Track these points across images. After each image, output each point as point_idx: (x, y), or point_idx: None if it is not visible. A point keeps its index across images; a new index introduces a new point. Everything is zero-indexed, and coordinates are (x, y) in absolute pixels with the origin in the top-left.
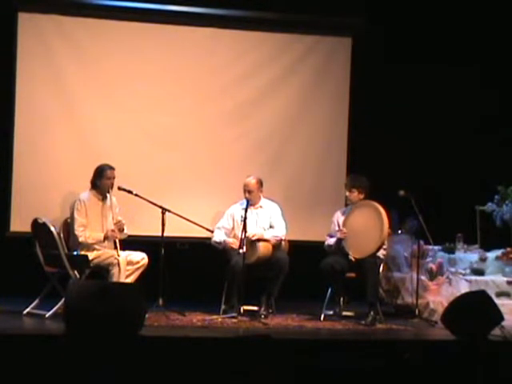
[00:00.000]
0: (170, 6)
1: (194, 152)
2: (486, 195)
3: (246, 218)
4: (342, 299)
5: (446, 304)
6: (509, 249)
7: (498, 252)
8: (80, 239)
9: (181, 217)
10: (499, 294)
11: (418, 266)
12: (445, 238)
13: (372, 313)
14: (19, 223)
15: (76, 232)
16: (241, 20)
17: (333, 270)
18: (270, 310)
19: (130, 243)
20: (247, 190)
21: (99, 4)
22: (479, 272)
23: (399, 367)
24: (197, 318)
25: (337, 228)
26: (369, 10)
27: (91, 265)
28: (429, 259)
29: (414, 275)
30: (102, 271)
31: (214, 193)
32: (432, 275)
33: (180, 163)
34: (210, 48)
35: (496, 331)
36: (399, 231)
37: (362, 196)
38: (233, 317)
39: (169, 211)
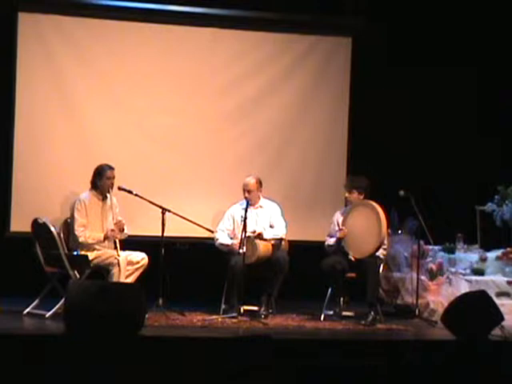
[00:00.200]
0: (170, 6)
1: (194, 152)
2: (486, 195)
3: (246, 218)
4: (342, 299)
5: (445, 304)
6: (509, 249)
7: (498, 252)
8: (80, 239)
9: (181, 217)
10: (499, 294)
11: (418, 266)
12: (445, 238)
13: (372, 313)
14: (19, 223)
15: (76, 232)
16: (241, 20)
17: (333, 270)
18: (270, 310)
19: (130, 243)
20: (247, 190)
21: (99, 4)
22: (479, 272)
23: (399, 367)
24: (197, 318)
25: (337, 228)
26: (369, 9)
27: (91, 265)
28: (429, 259)
29: (414, 275)
30: (102, 271)
31: (214, 193)
32: (432, 275)
33: (180, 163)
34: (211, 48)
35: (496, 331)
36: (399, 231)
37: (361, 197)
38: (233, 317)
39: (169, 211)
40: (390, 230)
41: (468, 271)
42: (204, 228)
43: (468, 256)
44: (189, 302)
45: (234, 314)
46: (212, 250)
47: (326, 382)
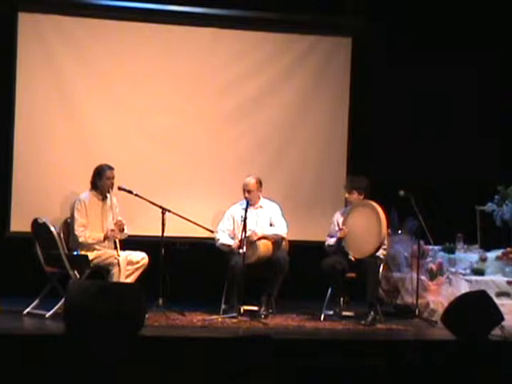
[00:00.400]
0: (170, 6)
1: (194, 152)
2: (486, 195)
3: (246, 218)
4: (342, 299)
5: (445, 304)
6: (509, 249)
7: (498, 252)
8: (80, 239)
9: (181, 217)
10: (499, 294)
11: (418, 266)
12: (445, 238)
13: (372, 313)
14: (19, 223)
15: (76, 232)
16: (241, 20)
17: (333, 270)
18: (270, 310)
19: (130, 243)
20: (247, 190)
21: (99, 4)
22: (479, 272)
23: (399, 367)
24: (197, 318)
25: (337, 228)
26: (369, 9)
27: (91, 265)
28: (429, 259)
29: (414, 275)
30: (102, 271)
31: (213, 193)
32: (432, 275)
33: (180, 163)
34: (211, 48)
35: (496, 331)
36: (399, 231)
37: (361, 197)
38: (233, 317)
39: (169, 211)
40: (389, 230)
41: (468, 271)
42: (204, 228)
43: (468, 256)
44: (189, 302)
45: (234, 314)
46: (212, 250)
47: (326, 382)
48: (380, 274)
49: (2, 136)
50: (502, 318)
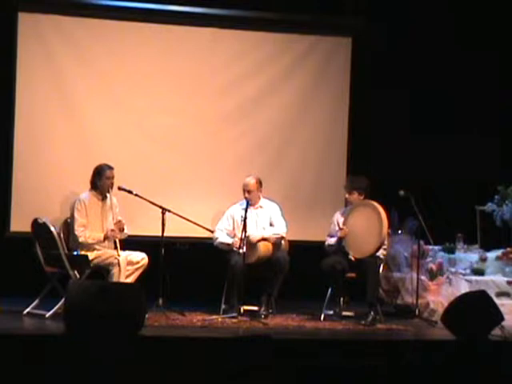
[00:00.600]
0: (170, 6)
1: (193, 152)
2: (486, 195)
3: (246, 218)
4: (342, 299)
5: (445, 304)
6: (509, 249)
7: (498, 252)
8: (80, 239)
9: (181, 217)
10: (499, 294)
11: (418, 266)
12: (445, 238)
13: (372, 313)
14: (19, 223)
15: (76, 232)
16: (241, 20)
17: (333, 270)
18: (270, 310)
19: (130, 243)
20: (247, 190)
21: (99, 4)
22: (479, 272)
23: (399, 367)
24: (197, 318)
25: (337, 228)
26: (369, 9)
27: (91, 265)
28: (429, 259)
29: (414, 275)
30: (102, 271)
31: (213, 193)
32: (432, 275)
33: (180, 163)
34: (210, 48)
35: (496, 331)
36: (399, 231)
37: (362, 197)
38: (233, 317)
39: (169, 211)
40: (390, 230)
41: (468, 271)
42: (204, 228)
43: (468, 256)
44: (189, 302)
45: (234, 314)
46: (212, 250)
47: (326, 382)
48: (380, 274)
49: (2, 136)
50: (502, 318)
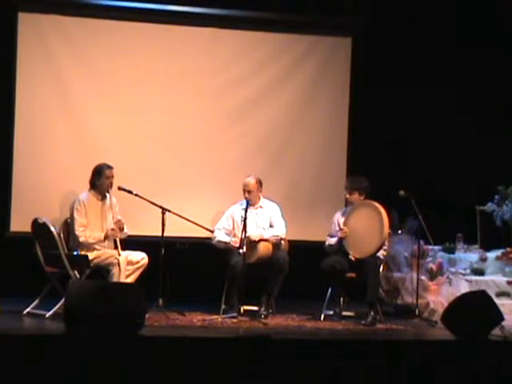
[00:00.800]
0: (169, 6)
1: (193, 152)
2: (486, 195)
3: (245, 218)
4: (342, 299)
5: (445, 304)
6: (509, 249)
7: (498, 252)
8: (80, 239)
9: (181, 217)
10: (499, 294)
11: (418, 266)
12: (445, 238)
13: (372, 313)
14: (19, 223)
15: (76, 232)
16: (241, 20)
17: (333, 270)
18: (270, 310)
19: (130, 243)
20: (247, 190)
21: (99, 4)
22: (479, 272)
23: (399, 367)
24: (197, 318)
25: (337, 228)
26: (369, 9)
27: (91, 265)
28: (429, 259)
29: (414, 275)
30: (102, 271)
31: (213, 193)
32: (432, 275)
33: (180, 163)
34: (210, 48)
35: (496, 331)
36: (399, 231)
37: (362, 197)
38: (233, 317)
39: (169, 211)
40: (390, 230)
41: (468, 271)
42: (204, 228)
43: (468, 256)
44: (189, 302)
45: (234, 314)
46: (212, 250)
47: (326, 382)
48: (380, 274)
49: (2, 136)
50: (502, 318)
